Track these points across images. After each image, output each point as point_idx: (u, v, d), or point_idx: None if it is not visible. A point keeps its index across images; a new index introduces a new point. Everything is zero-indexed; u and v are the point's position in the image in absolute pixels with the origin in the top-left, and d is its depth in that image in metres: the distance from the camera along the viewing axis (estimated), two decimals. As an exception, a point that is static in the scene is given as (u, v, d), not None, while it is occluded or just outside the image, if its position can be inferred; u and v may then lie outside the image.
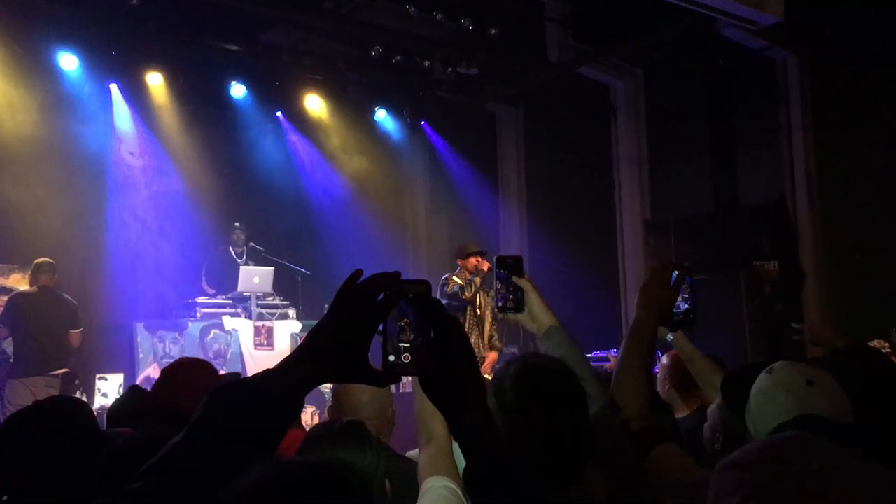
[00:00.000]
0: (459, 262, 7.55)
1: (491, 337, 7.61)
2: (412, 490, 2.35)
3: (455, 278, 7.44)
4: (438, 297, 7.39)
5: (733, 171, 8.93)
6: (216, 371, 2.92)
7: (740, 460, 0.96)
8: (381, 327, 1.12)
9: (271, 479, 0.92)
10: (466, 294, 7.34)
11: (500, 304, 1.95)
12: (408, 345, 1.12)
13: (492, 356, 7.54)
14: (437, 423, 1.87)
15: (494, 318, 7.75)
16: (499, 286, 1.94)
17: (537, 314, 1.92)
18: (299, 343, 1.14)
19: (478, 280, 7.40)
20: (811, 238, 8.26)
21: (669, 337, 2.91)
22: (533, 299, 1.92)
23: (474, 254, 7.45)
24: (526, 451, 1.46)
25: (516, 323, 2.04)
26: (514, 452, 1.30)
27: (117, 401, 3.27)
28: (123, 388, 7.47)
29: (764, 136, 8.68)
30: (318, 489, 0.93)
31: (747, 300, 7.96)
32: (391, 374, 1.11)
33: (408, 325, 1.12)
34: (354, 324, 1.10)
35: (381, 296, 1.10)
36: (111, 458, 2.01)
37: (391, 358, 1.11)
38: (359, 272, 1.13)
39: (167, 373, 2.87)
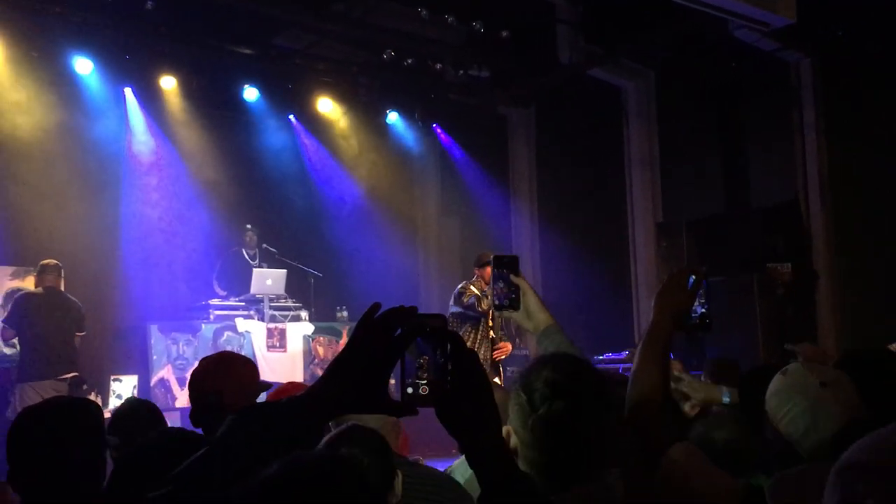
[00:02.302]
0: (476, 271, 7.42)
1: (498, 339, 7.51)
2: (422, 493, 2.41)
3: (472, 287, 7.31)
4: (453, 305, 7.41)
5: (745, 172, 8.91)
6: (258, 369, 2.94)
7: (867, 461, 0.86)
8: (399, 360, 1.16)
9: (293, 470, 0.96)
10: (483, 306, 7.19)
11: (497, 303, 1.97)
12: (426, 380, 1.15)
13: (507, 346, 7.45)
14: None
15: (499, 326, 7.59)
16: (498, 285, 1.96)
17: (534, 312, 1.95)
18: (325, 368, 1.20)
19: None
20: (824, 240, 8.23)
21: (726, 399, 2.79)
22: (529, 298, 1.95)
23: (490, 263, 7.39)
24: (550, 449, 1.48)
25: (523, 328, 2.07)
26: (539, 452, 1.33)
27: (122, 408, 3.31)
28: (138, 390, 7.52)
29: (776, 137, 8.65)
30: (336, 483, 0.97)
31: (760, 302, 7.93)
32: (409, 406, 1.15)
33: (426, 361, 1.16)
34: (373, 357, 1.14)
35: (399, 330, 1.13)
36: (144, 451, 2.04)
37: (409, 390, 1.15)
38: (377, 306, 1.17)
39: (212, 364, 2.84)
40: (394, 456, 2.32)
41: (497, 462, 1.15)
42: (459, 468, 2.66)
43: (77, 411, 2.17)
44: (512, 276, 1.95)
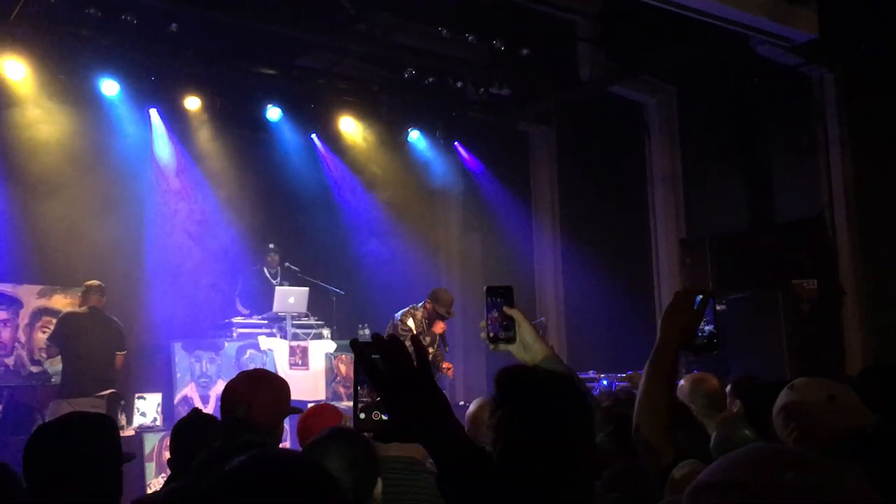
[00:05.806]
0: (427, 306, 7.60)
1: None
2: (404, 492, 2.48)
3: (411, 323, 7.49)
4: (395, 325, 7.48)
5: (769, 188, 8.82)
6: (289, 390, 2.95)
7: (711, 481, 0.87)
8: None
9: (256, 464, 0.98)
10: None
11: (492, 335, 1.90)
12: (376, 399, 1.16)
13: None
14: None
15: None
16: (494, 315, 1.89)
17: (530, 344, 1.89)
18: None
19: (428, 340, 7.53)
20: (850, 255, 8.11)
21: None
22: (525, 329, 1.89)
23: (443, 317, 7.57)
24: (529, 466, 1.45)
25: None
26: (518, 467, 1.31)
27: (182, 421, 3.36)
28: (162, 408, 7.58)
29: (800, 152, 8.57)
30: (298, 480, 0.98)
31: (785, 319, 7.82)
32: (361, 432, 1.20)
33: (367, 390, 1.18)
34: None
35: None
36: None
37: (362, 416, 1.17)
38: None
39: (245, 378, 2.86)
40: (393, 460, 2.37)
41: (453, 436, 1.15)
42: None
43: (90, 426, 2.19)
44: (506, 308, 1.89)
